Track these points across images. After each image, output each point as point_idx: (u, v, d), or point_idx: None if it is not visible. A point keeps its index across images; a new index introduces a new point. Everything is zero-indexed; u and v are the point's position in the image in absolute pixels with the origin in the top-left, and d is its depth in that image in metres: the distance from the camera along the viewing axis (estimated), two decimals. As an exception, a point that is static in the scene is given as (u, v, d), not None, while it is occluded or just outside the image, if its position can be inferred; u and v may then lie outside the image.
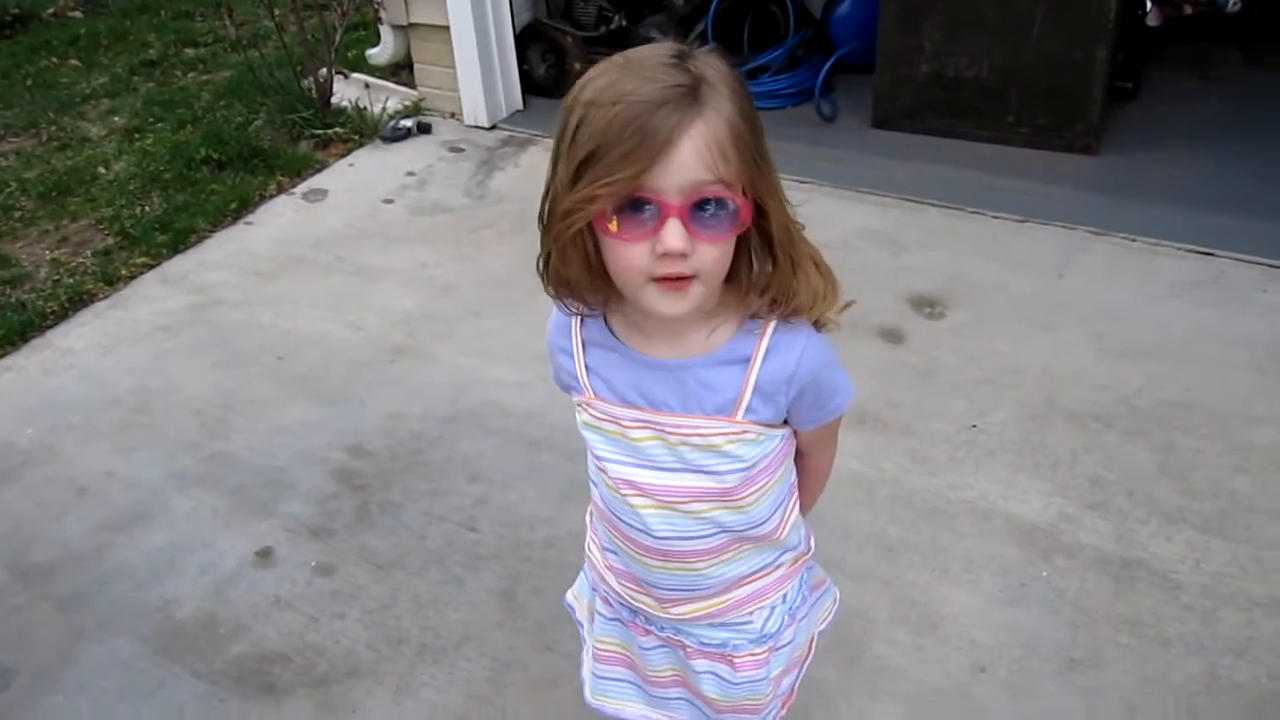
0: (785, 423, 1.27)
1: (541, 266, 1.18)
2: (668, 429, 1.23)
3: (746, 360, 1.19)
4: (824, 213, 3.67)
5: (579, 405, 1.30)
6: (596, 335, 1.26)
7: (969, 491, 2.48)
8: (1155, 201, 3.51)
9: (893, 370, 2.88)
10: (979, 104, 3.93)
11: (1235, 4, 4.38)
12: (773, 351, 1.19)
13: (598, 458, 1.29)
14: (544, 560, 2.41)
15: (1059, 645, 2.10)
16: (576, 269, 1.14)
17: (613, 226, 1.06)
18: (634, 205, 1.05)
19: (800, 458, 1.36)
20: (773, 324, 1.19)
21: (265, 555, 2.49)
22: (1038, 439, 2.61)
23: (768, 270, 1.15)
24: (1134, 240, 3.35)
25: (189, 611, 2.36)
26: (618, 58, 1.09)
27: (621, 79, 1.05)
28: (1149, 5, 4.12)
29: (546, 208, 1.14)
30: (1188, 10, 4.43)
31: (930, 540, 2.36)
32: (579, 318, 1.26)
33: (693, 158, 1.03)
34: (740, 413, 1.20)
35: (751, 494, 1.27)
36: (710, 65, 1.08)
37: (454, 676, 2.16)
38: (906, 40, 3.96)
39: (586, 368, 1.27)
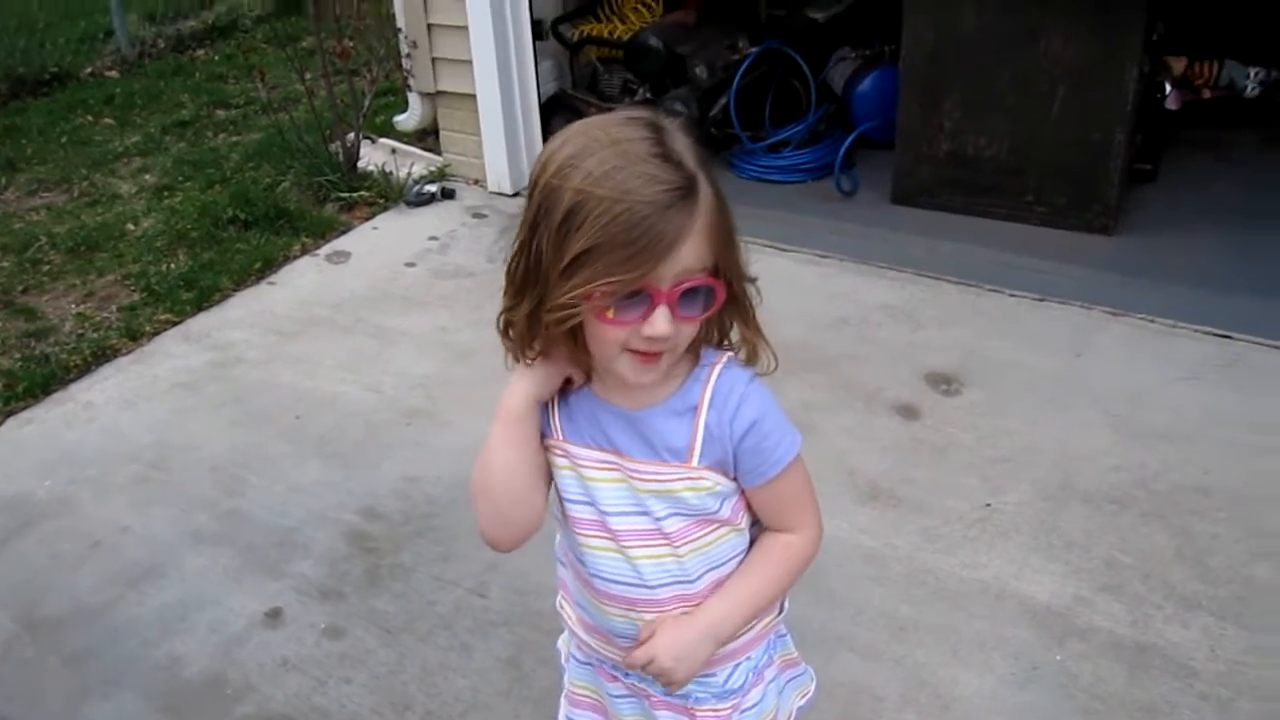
0: (735, 479, 1.29)
1: (504, 326, 1.28)
2: (634, 475, 1.28)
3: (694, 408, 1.25)
4: (842, 287, 3.69)
5: (547, 448, 1.34)
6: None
7: (982, 571, 2.46)
8: (1173, 283, 3.52)
9: (907, 447, 2.88)
10: (998, 182, 3.96)
11: (1254, 89, 4.44)
12: (717, 397, 1.25)
13: (564, 499, 1.35)
14: (553, 629, 2.36)
15: (1072, 731, 2.08)
16: (563, 343, 1.21)
17: (610, 314, 1.13)
18: (629, 295, 1.12)
19: (762, 535, 1.36)
20: (717, 371, 1.26)
21: (275, 615, 2.49)
22: (1052, 520, 2.59)
23: (727, 331, 1.27)
24: (1152, 321, 3.35)
25: (196, 670, 2.36)
26: (596, 132, 1.13)
27: (615, 171, 1.09)
28: (1168, 89, 4.16)
29: (521, 272, 1.21)
30: (1206, 95, 4.49)
31: (942, 620, 2.34)
32: None
33: (689, 252, 1.11)
34: (695, 459, 1.26)
35: (686, 545, 1.30)
36: (686, 148, 1.14)
37: (459, 745, 2.14)
38: (926, 118, 4.00)
39: (558, 412, 1.32)
